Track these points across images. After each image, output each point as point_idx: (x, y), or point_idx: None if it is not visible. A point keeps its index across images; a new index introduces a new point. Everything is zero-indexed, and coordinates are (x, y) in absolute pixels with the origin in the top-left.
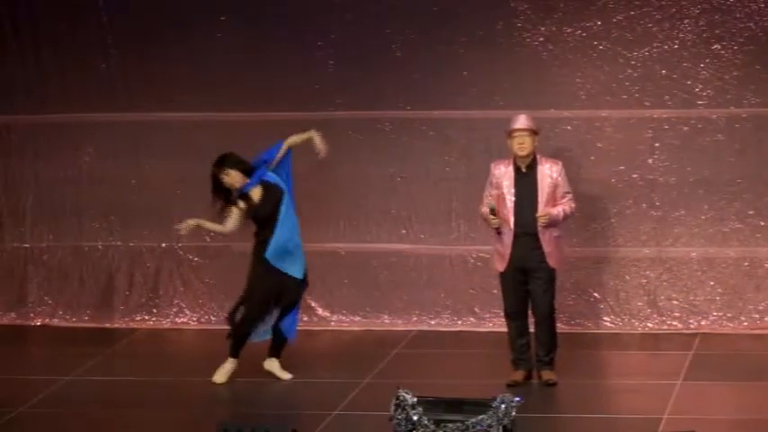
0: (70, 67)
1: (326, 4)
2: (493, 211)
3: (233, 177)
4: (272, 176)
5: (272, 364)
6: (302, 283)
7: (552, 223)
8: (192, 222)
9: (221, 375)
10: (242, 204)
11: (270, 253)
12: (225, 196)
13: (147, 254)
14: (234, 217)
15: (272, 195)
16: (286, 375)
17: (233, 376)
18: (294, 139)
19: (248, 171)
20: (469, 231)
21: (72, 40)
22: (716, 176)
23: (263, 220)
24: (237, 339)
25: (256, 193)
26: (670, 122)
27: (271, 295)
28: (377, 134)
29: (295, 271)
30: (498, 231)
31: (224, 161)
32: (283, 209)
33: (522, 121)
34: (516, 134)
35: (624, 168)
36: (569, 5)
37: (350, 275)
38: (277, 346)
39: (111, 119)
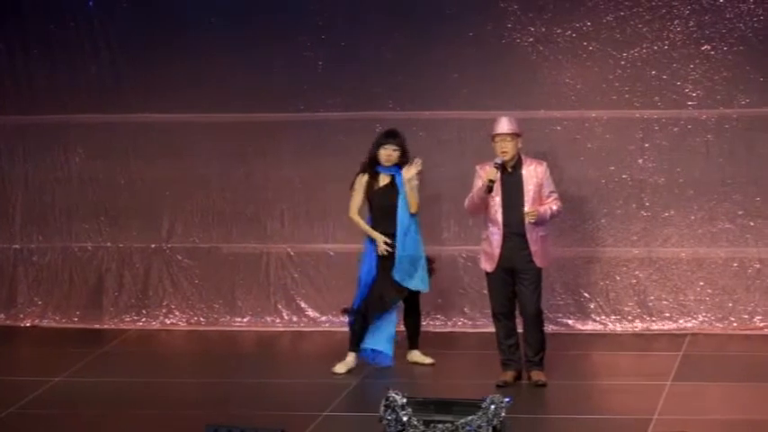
0: (60, 68)
1: (316, 5)
2: (491, 184)
3: (395, 156)
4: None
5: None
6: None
7: (540, 221)
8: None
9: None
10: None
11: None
12: (370, 164)
13: (137, 255)
14: (359, 194)
15: (394, 193)
16: (428, 360)
17: (225, 376)
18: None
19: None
20: (460, 232)
21: (61, 40)
22: (706, 177)
23: (377, 209)
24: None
25: (386, 179)
26: (660, 123)
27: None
28: (367, 135)
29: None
30: (489, 189)
31: (398, 136)
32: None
33: (503, 126)
34: (498, 138)
35: (614, 169)
36: (559, 6)
37: (339, 276)
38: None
39: (100, 120)
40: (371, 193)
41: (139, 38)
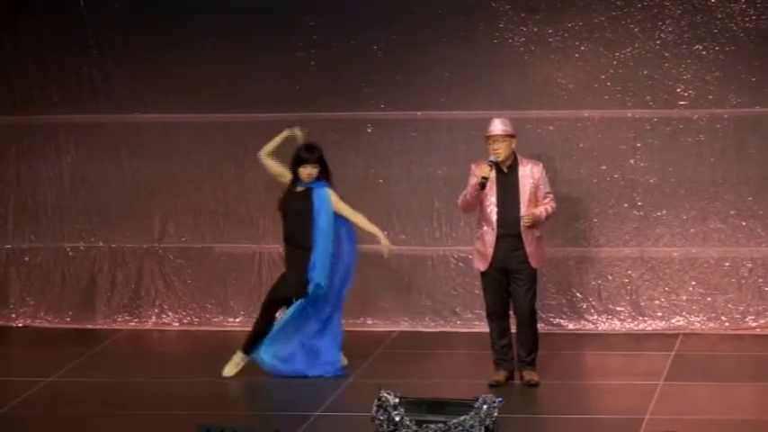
0: (52, 68)
1: (308, 4)
2: (484, 180)
3: (314, 174)
4: (323, 195)
5: None
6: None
7: (535, 224)
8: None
9: None
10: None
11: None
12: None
13: (129, 255)
14: (278, 166)
15: (307, 202)
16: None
17: (217, 375)
18: (362, 222)
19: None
20: (451, 232)
21: (53, 40)
22: (697, 176)
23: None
24: None
25: (301, 189)
26: (652, 123)
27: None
28: (358, 135)
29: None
30: (482, 185)
31: (318, 152)
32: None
33: (496, 127)
34: (491, 140)
35: (606, 168)
36: (551, 6)
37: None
38: None
39: (92, 120)
40: (287, 199)
41: (131, 38)
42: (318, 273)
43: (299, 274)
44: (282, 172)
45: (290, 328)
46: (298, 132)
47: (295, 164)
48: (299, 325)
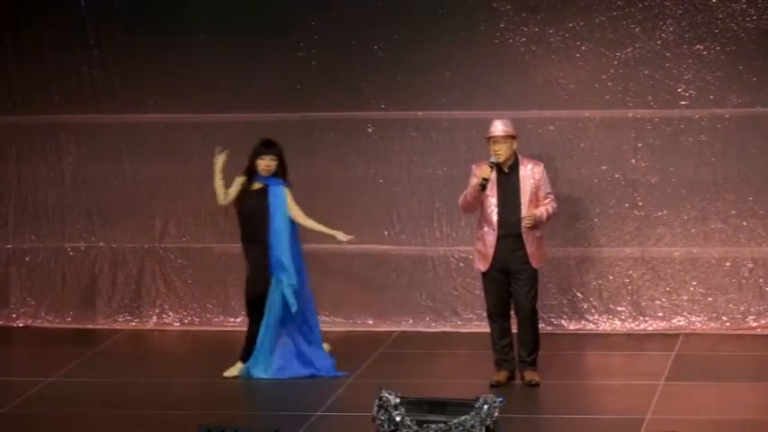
0: (52, 68)
1: (309, 4)
2: (484, 182)
3: (273, 167)
4: (279, 192)
5: None
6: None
7: (536, 224)
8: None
9: None
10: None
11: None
12: (248, 171)
13: (130, 255)
14: (235, 188)
15: (263, 200)
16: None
17: (218, 376)
18: (315, 226)
19: (280, 172)
20: (452, 232)
21: (54, 40)
22: (698, 176)
23: (243, 211)
24: None
25: (258, 186)
26: (653, 123)
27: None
28: (359, 135)
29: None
30: (483, 187)
31: (276, 147)
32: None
33: (497, 128)
34: (492, 141)
35: (607, 168)
36: (552, 6)
37: (332, 276)
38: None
39: (93, 120)
40: (243, 197)
41: (131, 38)
42: (287, 274)
43: (263, 271)
44: (239, 187)
45: (272, 335)
46: (219, 155)
47: (253, 157)
48: (283, 330)
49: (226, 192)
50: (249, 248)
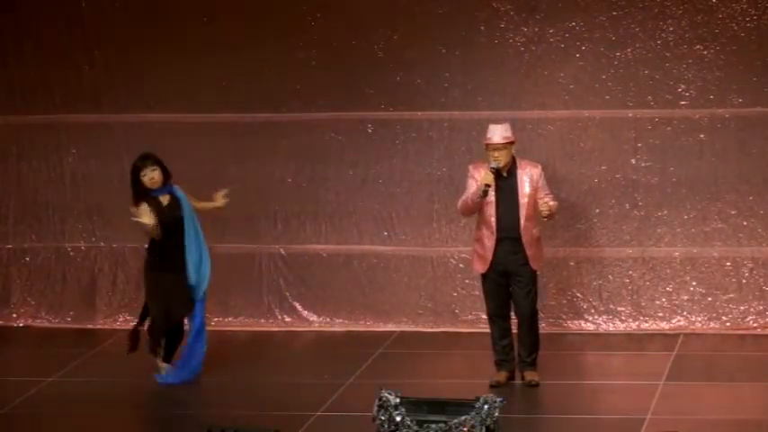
0: (53, 68)
1: (308, 4)
2: (486, 188)
3: (157, 176)
4: (181, 194)
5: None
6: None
7: (550, 216)
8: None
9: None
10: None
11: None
12: (141, 193)
13: (130, 255)
14: (149, 217)
15: (178, 207)
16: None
17: (218, 375)
18: (203, 206)
19: (165, 178)
20: (451, 233)
21: (54, 40)
22: (698, 176)
23: (166, 226)
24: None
25: (165, 200)
26: (653, 122)
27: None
28: (359, 135)
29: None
30: (485, 193)
31: (152, 156)
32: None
33: (496, 135)
34: (491, 147)
35: (607, 168)
36: (552, 6)
37: (332, 277)
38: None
39: (93, 120)
40: (158, 213)
41: (132, 37)
42: (201, 274)
43: (183, 275)
44: (151, 216)
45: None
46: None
47: (136, 179)
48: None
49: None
50: (175, 257)
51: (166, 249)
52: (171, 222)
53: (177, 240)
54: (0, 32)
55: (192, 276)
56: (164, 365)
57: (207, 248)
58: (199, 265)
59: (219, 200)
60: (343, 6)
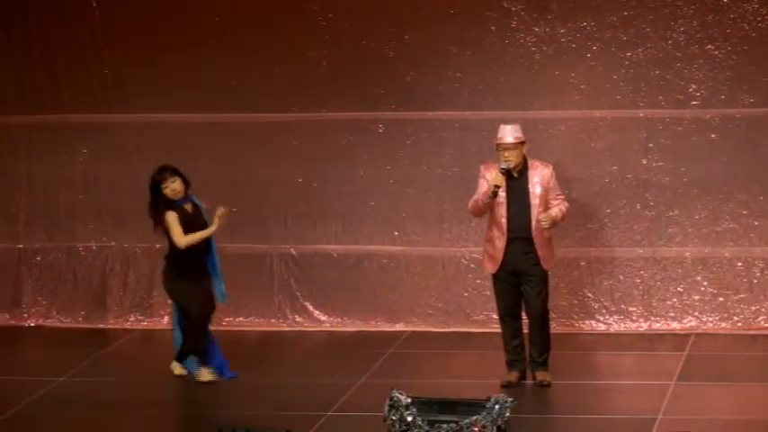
0: (63, 68)
1: (319, 4)
2: (496, 189)
3: (178, 187)
4: (198, 201)
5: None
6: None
7: (552, 224)
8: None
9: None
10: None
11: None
12: (166, 205)
13: (141, 254)
14: (178, 225)
15: (201, 214)
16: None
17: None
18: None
19: (186, 187)
20: (462, 233)
21: (65, 40)
22: (710, 176)
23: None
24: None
25: (188, 208)
26: (664, 122)
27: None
28: (369, 135)
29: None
30: (495, 194)
31: (169, 168)
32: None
33: (507, 135)
34: (501, 147)
35: (618, 168)
36: (563, 6)
37: (343, 277)
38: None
39: (104, 119)
40: (186, 221)
41: (142, 37)
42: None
43: (209, 281)
44: (178, 224)
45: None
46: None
47: (157, 191)
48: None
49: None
50: (199, 265)
51: (194, 256)
52: (199, 229)
53: (203, 246)
54: (10, 32)
55: (217, 279)
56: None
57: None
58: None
59: (216, 221)
60: (354, 6)
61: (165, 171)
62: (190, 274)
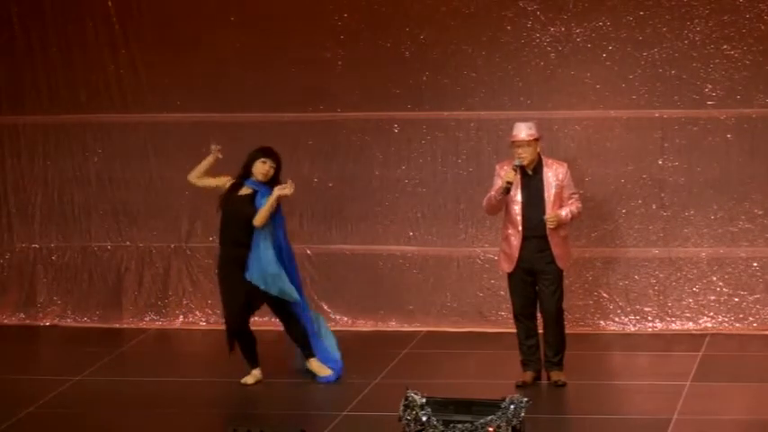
0: (79, 68)
1: (335, 4)
2: (508, 185)
3: (269, 172)
4: (262, 200)
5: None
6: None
7: (560, 225)
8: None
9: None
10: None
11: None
12: (242, 176)
13: (156, 254)
14: (217, 182)
15: (251, 204)
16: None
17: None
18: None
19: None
20: (477, 233)
21: (81, 40)
22: (725, 176)
23: (230, 216)
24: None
25: (247, 190)
26: (679, 122)
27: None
28: (385, 135)
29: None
30: (507, 190)
31: (275, 154)
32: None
33: (521, 133)
34: (516, 144)
35: (633, 168)
36: (579, 5)
37: (358, 277)
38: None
39: (120, 119)
40: (228, 198)
41: (158, 37)
42: (280, 283)
43: (242, 272)
44: (219, 183)
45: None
46: (214, 148)
47: (252, 161)
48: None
49: (204, 176)
50: (227, 252)
51: (230, 238)
52: (228, 212)
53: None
54: (27, 33)
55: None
56: (254, 372)
57: (272, 250)
58: (264, 263)
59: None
60: (369, 6)
61: (268, 154)
62: (221, 269)
